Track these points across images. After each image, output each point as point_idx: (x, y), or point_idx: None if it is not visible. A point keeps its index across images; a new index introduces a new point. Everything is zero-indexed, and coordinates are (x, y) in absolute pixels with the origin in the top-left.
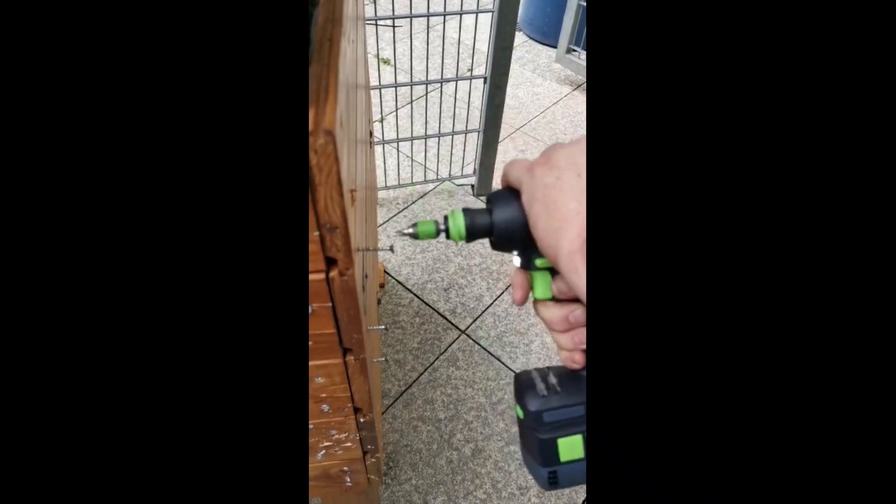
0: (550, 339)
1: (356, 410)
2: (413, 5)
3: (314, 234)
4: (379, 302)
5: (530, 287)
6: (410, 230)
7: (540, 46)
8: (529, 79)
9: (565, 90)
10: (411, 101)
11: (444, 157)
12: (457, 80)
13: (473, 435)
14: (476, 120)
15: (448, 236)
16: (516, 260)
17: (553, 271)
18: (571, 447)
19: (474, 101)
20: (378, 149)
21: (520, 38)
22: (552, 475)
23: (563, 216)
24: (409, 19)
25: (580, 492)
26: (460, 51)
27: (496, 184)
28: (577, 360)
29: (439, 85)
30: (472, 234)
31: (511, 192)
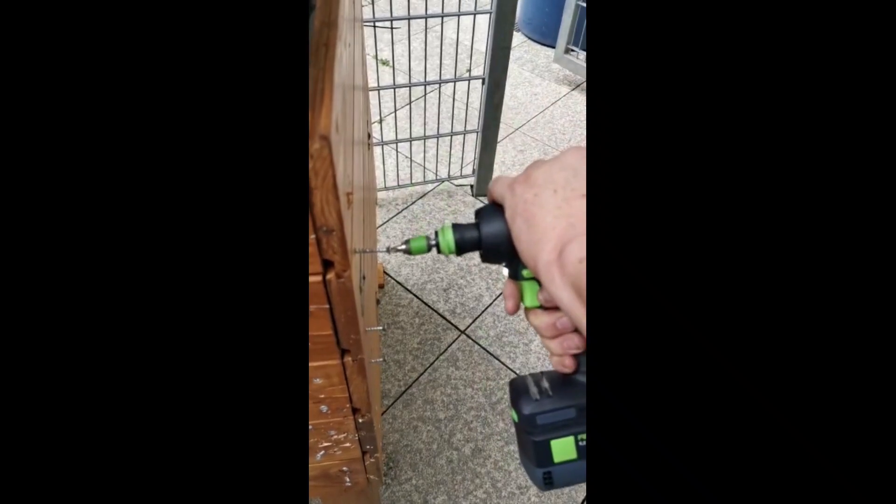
0: None
1: (355, 411)
2: (411, 6)
3: (311, 237)
4: (378, 302)
5: (520, 296)
6: (403, 246)
7: (538, 46)
8: (528, 79)
9: (564, 90)
10: (410, 102)
11: (443, 157)
12: (455, 81)
13: (473, 435)
14: (475, 120)
15: (439, 251)
16: (504, 271)
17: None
18: (564, 448)
19: (473, 102)
20: (377, 150)
21: (518, 38)
22: (547, 475)
23: (541, 230)
24: (407, 21)
25: (580, 491)
26: (459, 51)
27: (497, 175)
28: (567, 365)
29: (438, 86)
30: (461, 248)
31: (496, 208)
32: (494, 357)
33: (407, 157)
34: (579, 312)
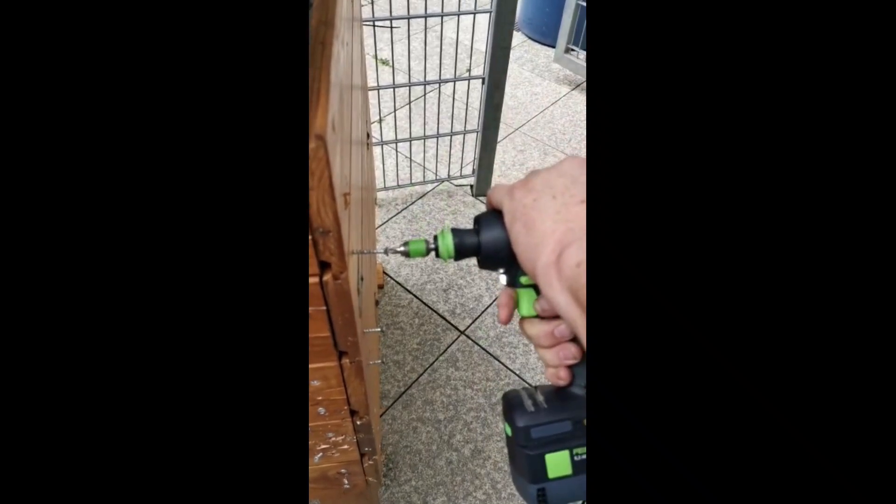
0: None
1: (353, 413)
2: (411, 6)
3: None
4: (377, 303)
5: (515, 306)
6: (402, 248)
7: (538, 46)
8: (528, 79)
9: (564, 90)
10: (409, 102)
11: (442, 157)
12: (455, 81)
13: (473, 436)
14: (475, 120)
15: (437, 255)
16: (502, 278)
17: (537, 289)
18: (559, 463)
19: (473, 102)
20: (377, 150)
21: (518, 37)
22: (541, 493)
23: (539, 234)
24: (406, 20)
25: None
26: (458, 51)
27: (495, 184)
28: (563, 377)
29: (438, 85)
30: (460, 253)
31: (495, 215)
32: (494, 358)
33: (407, 156)
34: (576, 316)
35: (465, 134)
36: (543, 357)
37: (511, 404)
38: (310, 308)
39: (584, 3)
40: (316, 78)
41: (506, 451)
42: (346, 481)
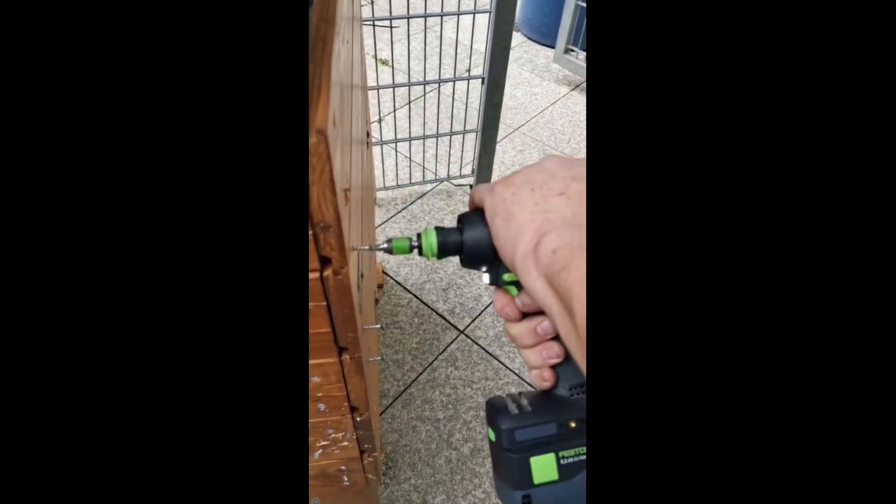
0: None
1: (353, 409)
2: (411, 5)
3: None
4: (377, 302)
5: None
6: (385, 245)
7: (538, 46)
8: (527, 79)
9: (563, 90)
10: (409, 102)
11: (442, 157)
12: (455, 81)
13: (472, 434)
14: (474, 120)
15: (420, 253)
16: (485, 277)
17: (520, 287)
18: (545, 467)
19: (472, 102)
20: (377, 149)
21: (518, 38)
22: (526, 499)
23: (518, 225)
24: (406, 20)
25: None
26: (458, 51)
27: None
28: (547, 378)
29: (437, 85)
30: (443, 251)
31: (478, 213)
32: (493, 357)
33: (406, 156)
34: (552, 302)
35: (464, 134)
36: (526, 358)
37: (495, 408)
38: (310, 303)
39: (584, 4)
40: (317, 74)
41: None
42: (345, 478)
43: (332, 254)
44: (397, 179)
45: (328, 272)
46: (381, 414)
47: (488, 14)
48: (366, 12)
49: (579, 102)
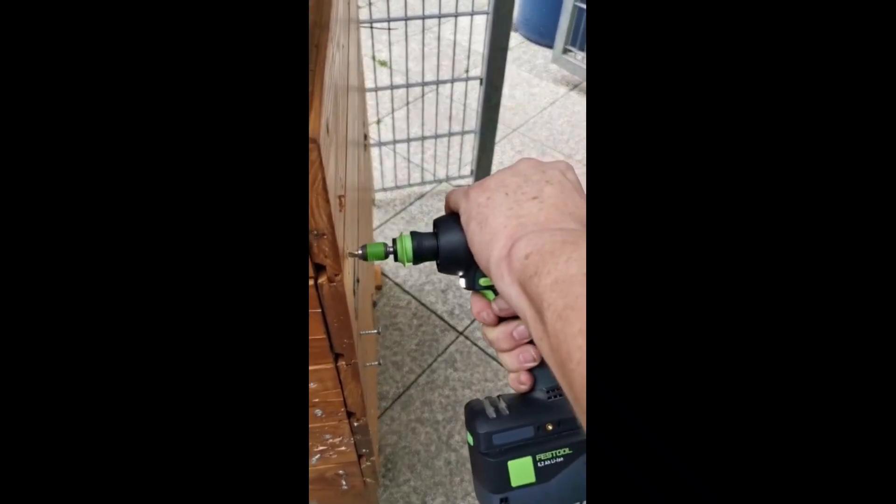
0: None
1: (350, 415)
2: (409, 7)
3: None
4: (375, 304)
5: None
6: (359, 252)
7: (536, 47)
8: (526, 79)
9: (562, 90)
10: (408, 103)
11: (441, 158)
12: (453, 82)
13: None
14: (473, 121)
15: (396, 258)
16: (461, 282)
17: (496, 291)
18: (522, 470)
19: (471, 103)
20: (375, 151)
21: (516, 38)
22: (503, 502)
23: (492, 230)
24: (404, 21)
25: None
26: (456, 52)
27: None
28: (524, 381)
29: (436, 86)
30: (418, 257)
31: (454, 217)
32: (492, 358)
33: (405, 157)
34: (525, 307)
35: (463, 135)
36: (504, 362)
37: (473, 412)
38: None
39: (582, 4)
40: (310, 80)
41: None
42: (343, 482)
43: (327, 261)
44: (396, 181)
45: (323, 279)
46: (379, 416)
47: (486, 15)
48: (364, 14)
49: (578, 102)
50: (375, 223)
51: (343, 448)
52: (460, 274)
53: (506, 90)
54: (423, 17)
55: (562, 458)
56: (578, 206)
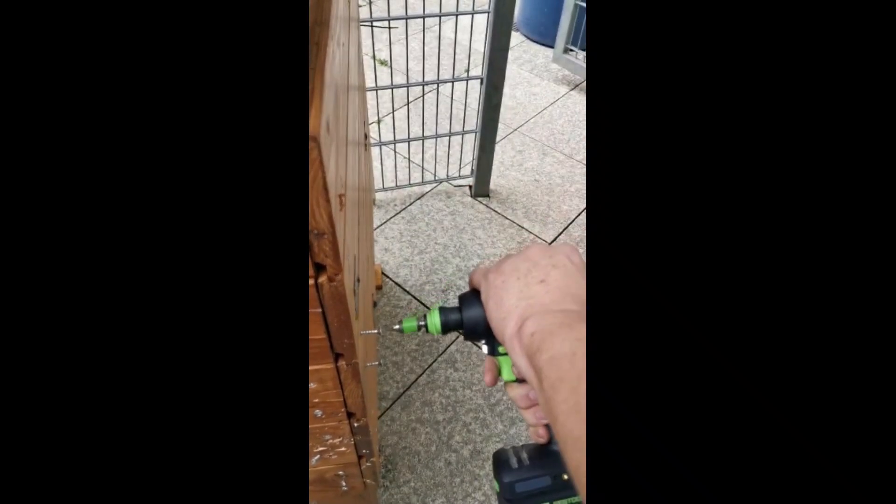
0: None
1: (350, 415)
2: (409, 6)
3: None
4: (375, 304)
5: (498, 371)
6: (397, 327)
7: (537, 46)
8: (527, 79)
9: (562, 90)
10: (408, 103)
11: (441, 158)
12: (453, 81)
13: (472, 436)
14: (473, 121)
15: (427, 331)
16: (484, 348)
17: None
18: None
19: (471, 102)
20: (375, 150)
21: (517, 38)
22: None
23: (506, 309)
24: (405, 20)
25: None
26: (457, 51)
27: (494, 185)
28: (542, 434)
29: (436, 86)
30: (446, 328)
31: (475, 295)
32: None
33: (405, 157)
34: (532, 376)
35: (463, 134)
36: (525, 417)
37: (500, 462)
38: None
39: (583, 4)
40: (310, 78)
41: None
42: (343, 483)
43: (327, 260)
44: (396, 180)
45: (323, 279)
46: (379, 416)
47: (487, 14)
48: (364, 13)
49: (578, 102)
50: (375, 223)
51: (343, 449)
52: (483, 342)
53: (506, 90)
54: (424, 17)
55: None
56: (580, 287)
